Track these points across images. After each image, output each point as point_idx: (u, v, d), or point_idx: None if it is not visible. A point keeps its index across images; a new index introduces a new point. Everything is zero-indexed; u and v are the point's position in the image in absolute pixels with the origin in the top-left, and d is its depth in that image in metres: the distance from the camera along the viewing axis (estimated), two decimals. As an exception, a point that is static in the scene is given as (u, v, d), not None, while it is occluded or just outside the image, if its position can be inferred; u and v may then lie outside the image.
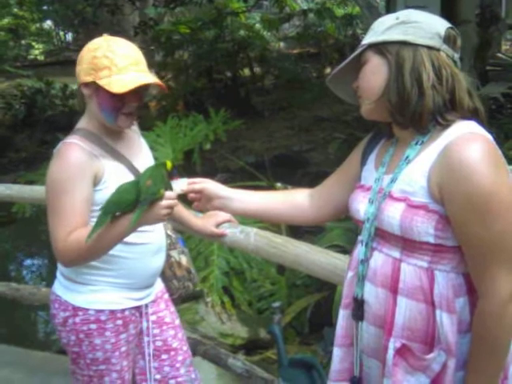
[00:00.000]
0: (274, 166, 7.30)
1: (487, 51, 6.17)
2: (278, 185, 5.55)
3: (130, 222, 1.79)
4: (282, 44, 14.40)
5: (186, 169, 6.09)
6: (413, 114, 1.46)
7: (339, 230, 3.91)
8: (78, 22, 12.07)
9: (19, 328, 5.15)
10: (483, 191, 1.36)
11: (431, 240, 1.43)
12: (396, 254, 1.50)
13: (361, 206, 1.59)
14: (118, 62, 1.91)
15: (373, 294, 1.54)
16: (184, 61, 11.01)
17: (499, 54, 11.29)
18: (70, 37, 20.99)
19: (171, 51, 10.76)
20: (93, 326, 2.04)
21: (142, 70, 1.97)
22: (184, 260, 2.40)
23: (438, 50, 1.47)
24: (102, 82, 1.90)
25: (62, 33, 20.35)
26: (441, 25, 1.50)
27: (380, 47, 1.51)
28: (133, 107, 1.98)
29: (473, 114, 1.48)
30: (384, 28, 1.51)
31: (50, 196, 1.92)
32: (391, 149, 1.60)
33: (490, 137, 1.43)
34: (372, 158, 1.66)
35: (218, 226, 2.37)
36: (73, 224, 1.88)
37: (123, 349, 2.10)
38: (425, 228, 1.42)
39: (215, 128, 6.24)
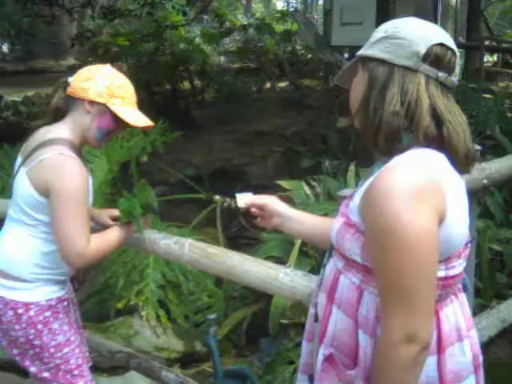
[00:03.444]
0: (213, 179, 7.29)
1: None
2: (217, 197, 5.53)
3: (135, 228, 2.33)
4: (222, 58, 14.43)
5: (123, 182, 6.00)
6: (371, 136, 1.42)
7: (275, 241, 3.91)
8: (15, 32, 11.80)
9: None
10: (385, 222, 1.28)
11: (359, 260, 1.42)
12: (340, 264, 1.50)
13: None
14: (129, 96, 2.25)
15: (320, 298, 1.57)
16: (122, 73, 10.89)
17: None
18: (6, 48, 20.55)
19: (109, 63, 10.62)
20: (47, 314, 2.22)
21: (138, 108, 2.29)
22: None
23: (416, 70, 1.39)
24: (114, 109, 2.18)
25: (-3, 43, 19.89)
26: (425, 41, 1.39)
27: (364, 61, 1.46)
28: (115, 135, 2.28)
29: (438, 142, 1.39)
30: (373, 40, 1.46)
31: (66, 206, 2.07)
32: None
33: (426, 169, 1.33)
34: None
35: (112, 218, 2.41)
36: (88, 231, 2.12)
37: (74, 325, 2.35)
38: (352, 247, 1.42)
39: (153, 140, 6.14)
